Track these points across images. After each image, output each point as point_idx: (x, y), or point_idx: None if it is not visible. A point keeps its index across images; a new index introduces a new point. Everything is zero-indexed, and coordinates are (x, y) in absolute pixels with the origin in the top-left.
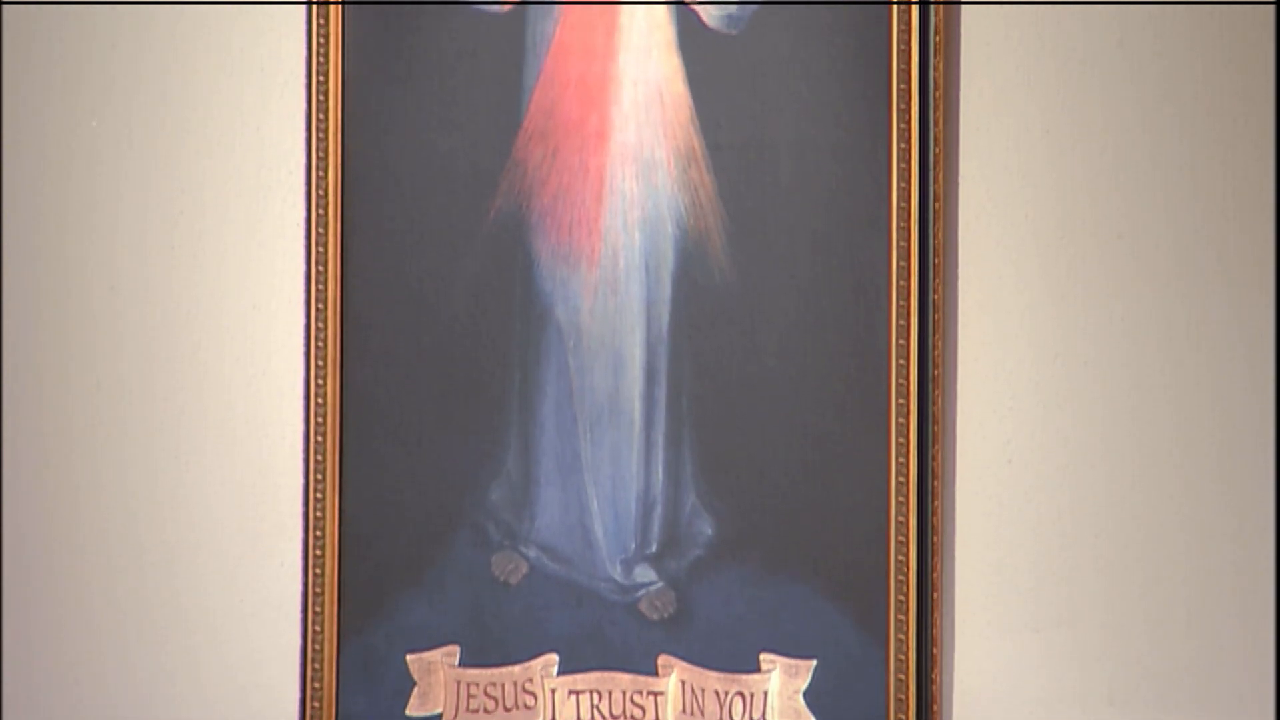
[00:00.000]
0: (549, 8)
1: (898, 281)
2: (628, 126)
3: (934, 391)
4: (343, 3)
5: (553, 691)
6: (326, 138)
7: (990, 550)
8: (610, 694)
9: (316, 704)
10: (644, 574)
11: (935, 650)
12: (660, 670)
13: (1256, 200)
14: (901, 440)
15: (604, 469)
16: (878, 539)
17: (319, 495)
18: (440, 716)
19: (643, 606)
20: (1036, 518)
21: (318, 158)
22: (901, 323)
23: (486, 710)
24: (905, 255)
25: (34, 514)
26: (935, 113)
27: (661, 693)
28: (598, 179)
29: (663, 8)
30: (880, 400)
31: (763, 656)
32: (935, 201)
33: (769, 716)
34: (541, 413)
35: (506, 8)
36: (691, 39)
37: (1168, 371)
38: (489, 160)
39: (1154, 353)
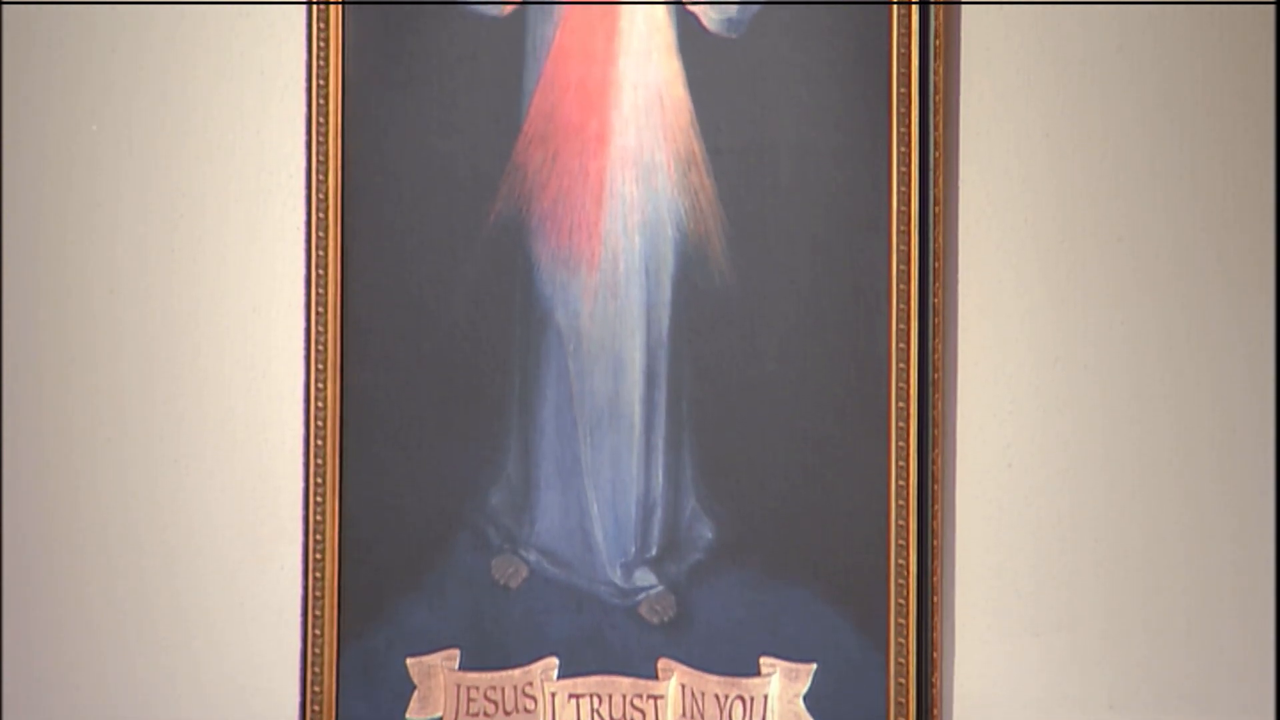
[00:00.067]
0: (549, 11)
1: (898, 285)
2: (628, 130)
3: (934, 395)
4: (343, 4)
5: (553, 695)
6: (326, 141)
7: (990, 554)
8: (610, 698)
9: (316, 707)
10: (644, 578)
11: (935, 654)
12: (660, 674)
13: (1257, 204)
14: (901, 444)
15: (604, 473)
16: (878, 543)
17: (319, 499)
18: None
19: (643, 610)
20: (1036, 522)
21: (318, 161)
22: (901, 326)
23: (486, 714)
24: (905, 259)
25: (34, 516)
26: (935, 116)
27: (661, 696)
28: (598, 183)
29: (663, 11)
30: (880, 404)
31: (763, 660)
32: (935, 205)
33: None
34: (541, 416)
35: (507, 11)
36: (691, 42)
37: (1168, 375)
38: (489, 164)
39: (1154, 357)
